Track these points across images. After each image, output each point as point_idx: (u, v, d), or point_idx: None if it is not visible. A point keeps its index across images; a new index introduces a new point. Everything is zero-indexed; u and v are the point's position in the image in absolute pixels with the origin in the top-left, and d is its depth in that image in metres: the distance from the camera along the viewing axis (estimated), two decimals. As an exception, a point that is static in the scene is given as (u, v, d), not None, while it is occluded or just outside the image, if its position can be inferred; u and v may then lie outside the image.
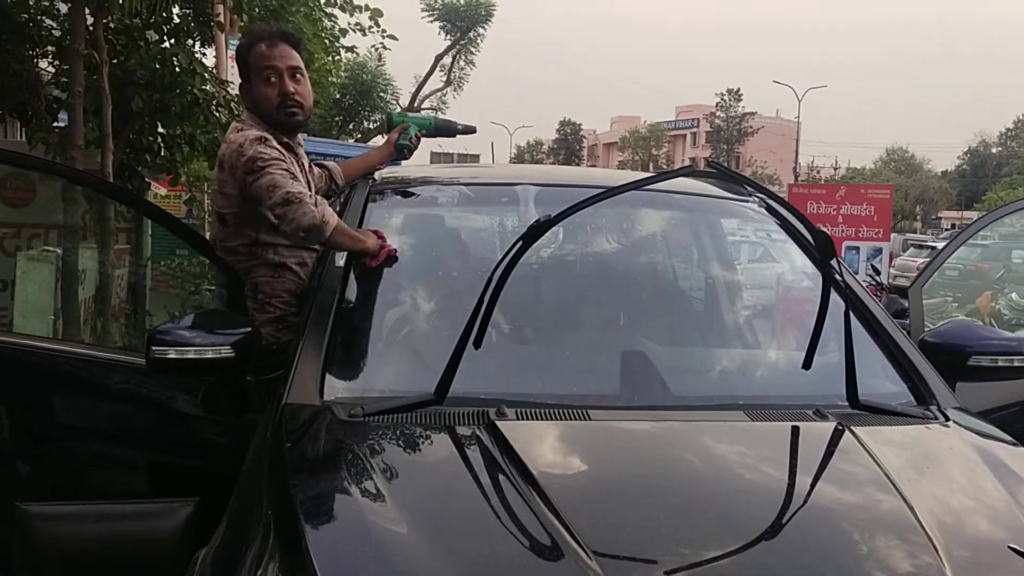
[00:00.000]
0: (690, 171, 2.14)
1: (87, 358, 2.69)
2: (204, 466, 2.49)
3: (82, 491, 2.52)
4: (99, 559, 2.39)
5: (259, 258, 2.63)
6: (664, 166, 68.93)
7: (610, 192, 1.88)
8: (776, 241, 2.68)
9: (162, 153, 6.32)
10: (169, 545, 2.31)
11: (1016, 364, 2.33)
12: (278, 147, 2.57)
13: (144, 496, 2.54)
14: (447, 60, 24.28)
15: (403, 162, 3.42)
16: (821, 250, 1.93)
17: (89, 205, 5.60)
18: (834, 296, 1.94)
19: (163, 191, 8.62)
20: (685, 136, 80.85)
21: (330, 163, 3.08)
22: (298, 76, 2.70)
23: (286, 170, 2.49)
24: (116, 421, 2.62)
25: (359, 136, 20.36)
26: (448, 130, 3.22)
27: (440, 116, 3.21)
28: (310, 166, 2.91)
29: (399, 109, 20.96)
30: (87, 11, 5.23)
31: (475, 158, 21.16)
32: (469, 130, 3.22)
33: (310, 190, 2.77)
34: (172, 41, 6.30)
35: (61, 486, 2.53)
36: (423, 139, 3.12)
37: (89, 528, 2.40)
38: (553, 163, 74.58)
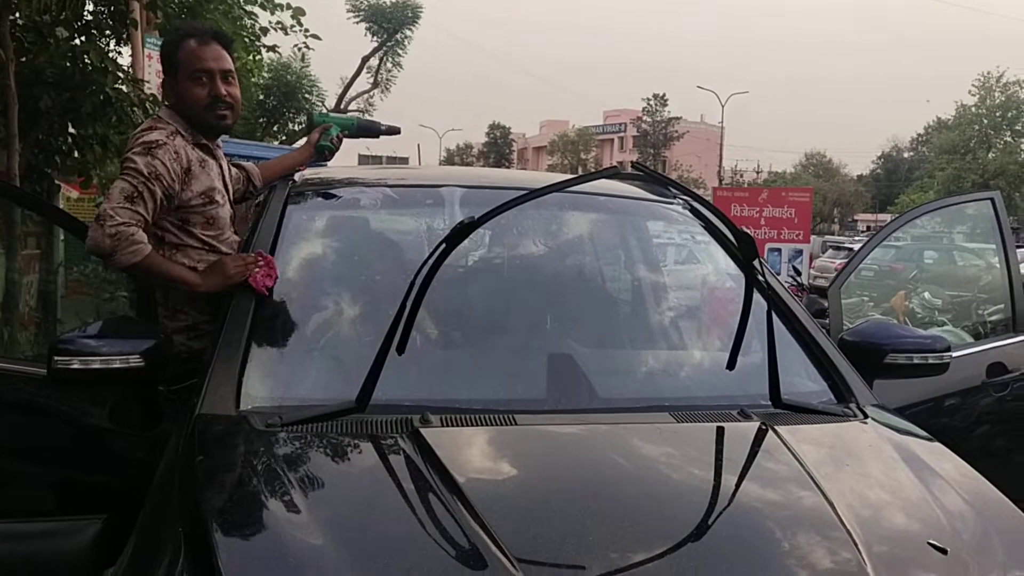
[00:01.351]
0: (614, 172, 2.14)
1: (-13, 369, 2.55)
2: (113, 481, 2.39)
3: None
4: None
5: (176, 260, 2.53)
6: (593, 169, 69.71)
7: (534, 193, 1.86)
8: (700, 243, 2.71)
9: (73, 154, 6.07)
10: (75, 565, 2.20)
11: (931, 361, 2.40)
12: (175, 151, 2.48)
13: (49, 514, 2.41)
14: (374, 62, 24.09)
15: (327, 164, 3.35)
16: (744, 251, 1.94)
17: (-6, 209, 5.35)
18: (757, 297, 1.96)
19: (75, 194, 8.28)
20: (613, 140, 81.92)
21: (248, 164, 3.00)
22: (230, 79, 2.63)
23: (134, 187, 2.38)
24: (18, 435, 2.48)
25: (284, 138, 20.00)
26: (372, 130, 3.17)
27: (365, 117, 3.15)
28: (228, 167, 2.83)
29: (321, 110, 20.69)
30: (-8, 6, 4.99)
31: (404, 160, 21.05)
32: (393, 131, 3.17)
33: (228, 193, 2.69)
34: (83, 38, 6.05)
35: None
36: (348, 140, 3.06)
37: (-11, 549, 2.27)
38: (483, 166, 74.78)
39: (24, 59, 5.63)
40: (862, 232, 48.04)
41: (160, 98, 5.37)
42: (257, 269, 2.23)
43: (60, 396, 2.46)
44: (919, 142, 65.91)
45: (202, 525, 1.46)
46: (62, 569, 2.23)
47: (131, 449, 2.46)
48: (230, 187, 2.74)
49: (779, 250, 9.37)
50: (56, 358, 1.99)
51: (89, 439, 2.54)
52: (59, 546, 2.25)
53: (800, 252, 9.52)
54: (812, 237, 16.76)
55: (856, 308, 8.25)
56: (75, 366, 1.99)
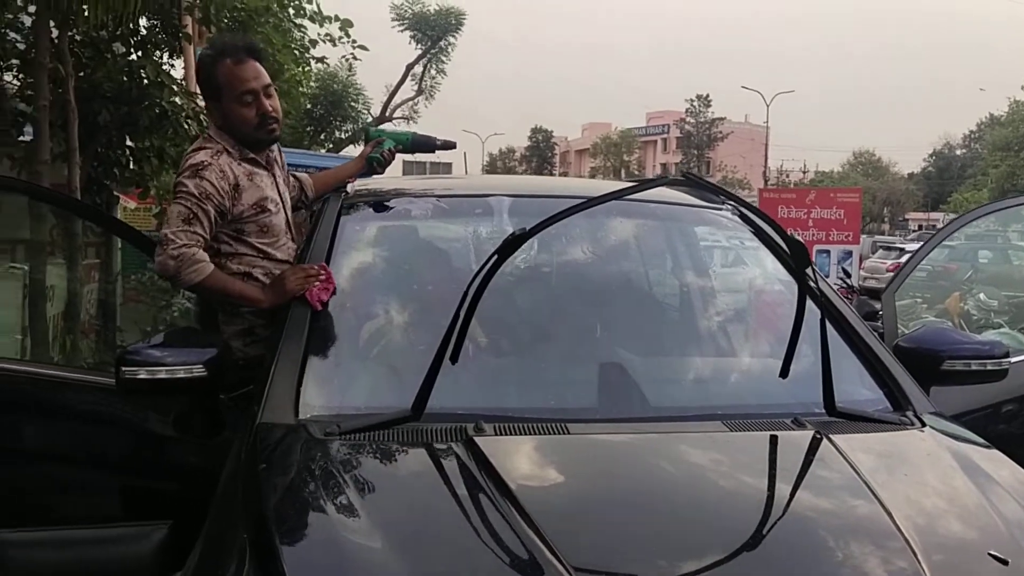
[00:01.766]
0: (667, 180, 2.14)
1: (55, 379, 2.64)
2: (177, 488, 2.45)
3: (53, 516, 2.47)
4: None
5: (224, 269, 2.60)
6: (636, 172, 69.36)
7: (587, 204, 1.88)
8: (750, 249, 2.69)
9: (131, 166, 6.24)
10: (142, 570, 2.27)
11: (989, 367, 2.35)
12: (221, 169, 2.55)
13: (116, 520, 2.49)
14: (418, 69, 24.30)
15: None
16: (796, 259, 1.94)
17: (56, 220, 5.51)
18: (810, 304, 1.95)
19: (132, 204, 8.50)
20: (656, 142, 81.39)
21: (302, 175, 3.06)
22: (270, 91, 2.69)
23: (188, 209, 2.49)
24: (86, 443, 2.57)
25: (331, 146, 20.29)
26: (427, 145, 3.18)
27: (419, 132, 3.16)
28: (287, 175, 2.89)
29: (369, 118, 20.90)
30: (52, 24, 5.15)
31: (447, 167, 21.15)
32: (448, 145, 3.20)
33: (283, 200, 2.75)
34: (139, 53, 6.22)
35: (28, 511, 2.48)
36: (400, 154, 3.10)
37: (61, 554, 2.35)
38: (525, 170, 74.78)
39: (82, 74, 5.80)
40: (914, 232, 47.01)
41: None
42: (317, 283, 2.27)
43: (126, 405, 2.54)
44: (972, 139, 64.40)
45: (266, 532, 1.50)
46: (130, 574, 2.30)
47: (194, 456, 2.52)
48: (285, 194, 2.80)
49: (828, 252, 9.22)
50: (124, 368, 2.05)
51: (154, 447, 2.61)
52: (127, 551, 2.32)
53: (849, 253, 9.36)
54: (862, 237, 16.48)
55: (909, 310, 8.10)
56: (142, 376, 2.05)
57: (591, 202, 1.89)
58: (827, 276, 9.16)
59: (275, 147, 2.82)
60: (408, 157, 3.52)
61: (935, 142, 69.32)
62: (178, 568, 1.77)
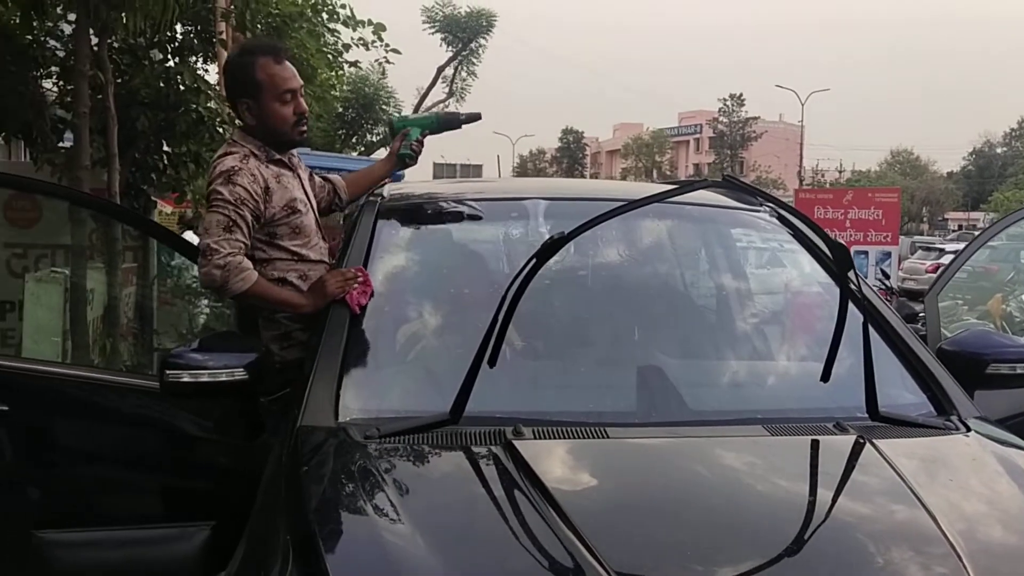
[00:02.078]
0: (706, 183, 2.13)
1: (98, 382, 2.69)
2: (219, 490, 2.48)
3: (96, 517, 2.51)
4: None
5: (266, 272, 2.62)
6: (668, 173, 69.02)
7: (626, 207, 1.87)
8: (789, 252, 2.66)
9: (168, 171, 6.33)
10: (186, 570, 2.30)
11: None
12: (251, 173, 2.56)
13: (159, 521, 2.53)
14: (449, 71, 24.37)
15: (405, 173, 3.38)
16: (839, 262, 1.91)
17: (96, 224, 5.60)
18: (852, 307, 1.93)
19: (169, 209, 8.63)
20: (688, 142, 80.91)
21: (335, 177, 3.08)
22: (302, 92, 2.73)
23: (227, 216, 2.50)
24: (129, 445, 2.61)
25: (362, 149, 20.42)
26: (453, 123, 3.11)
27: (444, 111, 3.13)
28: (310, 175, 2.91)
29: (395, 114, 20.95)
30: (91, 32, 5.24)
31: (478, 169, 21.16)
32: (473, 117, 3.13)
33: (311, 200, 2.77)
34: (176, 60, 6.31)
35: (75, 512, 2.52)
36: (432, 138, 3.04)
37: (106, 554, 2.40)
38: (556, 172, 74.68)
39: (121, 81, 5.89)
40: (953, 232, 46.17)
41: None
42: (355, 286, 2.29)
43: (170, 408, 2.58)
44: (1013, 137, 63.21)
45: (309, 533, 1.51)
46: (175, 574, 2.33)
47: (235, 458, 2.55)
48: (311, 194, 2.82)
49: (866, 253, 9.10)
50: (168, 372, 2.09)
51: (196, 449, 2.65)
52: (171, 552, 2.36)
53: (888, 255, 9.23)
54: (900, 238, 16.23)
55: (950, 311, 7.96)
56: (185, 379, 2.09)
57: (631, 205, 1.89)
58: (865, 277, 9.05)
59: (295, 154, 2.84)
60: (439, 160, 3.50)
61: (975, 140, 68.09)
62: (221, 568, 1.79)
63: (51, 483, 2.58)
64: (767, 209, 2.70)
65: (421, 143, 3.02)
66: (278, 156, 2.69)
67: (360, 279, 2.30)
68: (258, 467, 2.03)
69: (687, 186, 2.13)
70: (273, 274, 2.61)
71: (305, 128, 2.72)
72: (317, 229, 2.77)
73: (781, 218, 2.65)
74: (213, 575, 1.84)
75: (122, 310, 5.83)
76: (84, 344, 4.84)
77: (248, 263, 2.50)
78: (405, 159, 3.00)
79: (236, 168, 2.55)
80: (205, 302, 6.55)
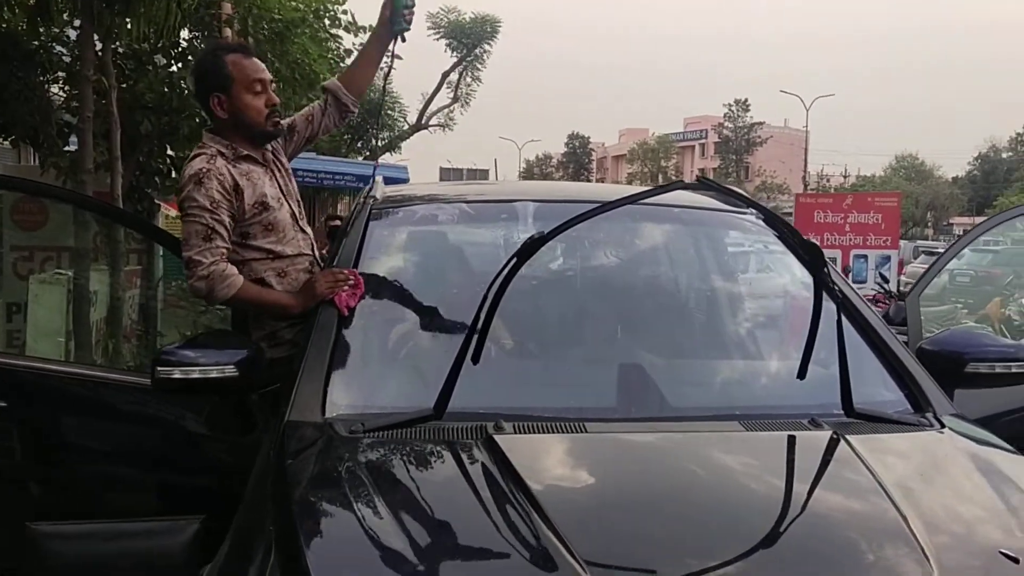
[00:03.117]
0: (681, 185, 2.18)
1: (96, 379, 2.74)
2: (211, 484, 2.52)
3: (92, 511, 2.56)
4: None
5: (250, 276, 2.63)
6: (672, 178, 68.83)
7: (602, 208, 1.91)
8: (773, 252, 2.70)
9: (171, 175, 6.39)
10: (176, 562, 2.35)
11: (1015, 370, 2.33)
12: (220, 174, 2.55)
13: (151, 514, 2.57)
14: (454, 77, 24.45)
15: (410, 176, 3.35)
16: (811, 262, 1.95)
17: (100, 227, 5.66)
18: (829, 305, 1.96)
19: (173, 212, 8.70)
20: (694, 147, 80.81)
21: (328, 83, 3.04)
22: (272, 86, 2.75)
23: (205, 225, 2.50)
24: (125, 441, 2.66)
25: (367, 154, 20.49)
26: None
27: None
28: (286, 168, 2.87)
29: (407, 126, 21.00)
30: (96, 37, 5.31)
31: (484, 173, 21.22)
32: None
33: (285, 194, 2.76)
34: (180, 65, 6.38)
35: (71, 506, 2.57)
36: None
37: (98, 546, 2.44)
38: (562, 177, 74.68)
39: (125, 86, 5.96)
40: (958, 237, 45.88)
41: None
42: (345, 288, 2.32)
43: (162, 404, 2.62)
44: (1018, 142, 62.98)
45: (291, 526, 1.55)
46: (165, 566, 2.38)
47: (227, 453, 2.60)
48: (290, 187, 2.81)
49: (865, 257, 9.12)
50: (159, 368, 2.13)
51: (189, 445, 2.69)
52: (162, 544, 2.40)
53: (888, 258, 9.23)
54: (903, 243, 16.20)
55: (949, 316, 7.97)
56: (176, 376, 2.12)
57: (605, 207, 1.93)
58: (864, 282, 9.05)
59: (274, 146, 2.82)
60: (445, 164, 3.48)
61: (980, 145, 67.85)
62: (209, 561, 1.83)
63: (47, 477, 2.63)
64: (754, 211, 2.73)
65: (411, 11, 2.88)
66: (246, 152, 2.67)
67: (351, 281, 2.35)
68: (249, 462, 2.07)
69: (663, 188, 2.17)
70: (249, 275, 2.61)
71: (278, 119, 2.71)
72: (293, 223, 2.75)
73: (767, 220, 2.69)
74: (201, 567, 1.88)
75: (126, 312, 5.89)
76: (87, 345, 4.90)
77: (232, 269, 2.51)
78: (400, 32, 2.89)
79: (204, 170, 2.54)
80: (212, 305, 6.60)
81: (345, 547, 1.54)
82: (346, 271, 2.38)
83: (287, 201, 2.77)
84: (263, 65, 2.72)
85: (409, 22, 2.86)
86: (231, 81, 2.65)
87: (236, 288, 2.50)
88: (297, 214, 2.80)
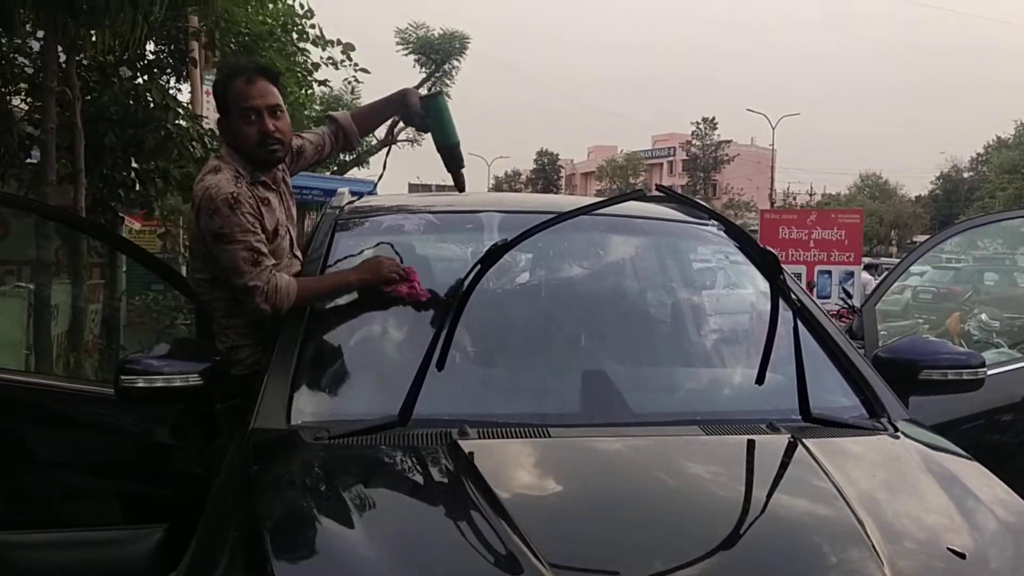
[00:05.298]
0: (640, 195, 2.22)
1: (57, 389, 2.71)
2: (175, 493, 2.51)
3: (54, 520, 2.53)
4: None
5: (217, 290, 2.61)
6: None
7: (561, 217, 1.95)
8: (734, 262, 2.76)
9: (136, 188, 6.32)
10: (139, 571, 2.33)
11: (965, 377, 2.40)
12: (248, 197, 2.52)
13: (115, 523, 2.55)
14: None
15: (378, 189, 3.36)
16: (767, 269, 2.00)
17: (62, 240, 5.60)
18: (786, 313, 2.01)
19: (137, 226, 8.62)
20: (662, 164, 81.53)
21: (339, 116, 3.03)
22: (278, 113, 2.64)
23: (251, 250, 2.44)
24: (87, 451, 2.63)
25: (335, 168, 20.41)
26: (454, 160, 2.94)
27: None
28: (288, 193, 2.86)
29: (375, 142, 20.98)
30: (60, 48, 5.26)
31: (453, 188, 21.16)
32: (459, 178, 2.98)
33: (290, 220, 2.74)
34: (145, 77, 6.34)
35: (32, 516, 2.54)
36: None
37: (59, 556, 2.41)
38: (531, 192, 74.98)
39: (89, 97, 5.90)
40: (910, 250, 46.66)
41: (217, 132, 5.64)
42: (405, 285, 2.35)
43: (125, 414, 2.60)
44: (979, 161, 64.32)
45: (256, 532, 1.56)
46: (127, 574, 2.35)
47: (191, 463, 2.58)
48: (292, 211, 2.80)
49: (829, 272, 9.26)
50: (122, 377, 2.12)
51: (153, 454, 2.67)
52: (124, 553, 2.38)
53: (851, 274, 9.38)
54: (866, 259, 16.46)
55: (910, 330, 8.15)
56: (140, 384, 2.12)
57: (568, 214, 1.97)
58: (828, 297, 9.21)
59: (281, 170, 2.79)
60: (414, 180, 3.44)
61: (942, 164, 69.19)
62: (173, 570, 1.82)
63: (7, 487, 2.59)
64: (715, 223, 2.79)
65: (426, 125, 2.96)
66: (263, 178, 2.65)
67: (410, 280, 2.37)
68: (213, 471, 2.07)
69: (620, 197, 2.21)
70: (229, 293, 2.55)
71: (275, 148, 2.62)
72: (289, 249, 2.73)
73: (728, 230, 2.74)
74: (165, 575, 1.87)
75: (88, 325, 5.82)
76: (47, 357, 4.83)
77: (283, 278, 2.44)
78: (421, 124, 2.98)
79: (235, 194, 2.48)
80: (175, 320, 6.55)
81: (310, 554, 1.55)
82: (406, 268, 2.41)
83: (290, 230, 2.75)
84: (268, 90, 2.63)
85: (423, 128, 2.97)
86: (228, 107, 2.65)
87: (295, 292, 2.42)
88: (294, 240, 2.78)
